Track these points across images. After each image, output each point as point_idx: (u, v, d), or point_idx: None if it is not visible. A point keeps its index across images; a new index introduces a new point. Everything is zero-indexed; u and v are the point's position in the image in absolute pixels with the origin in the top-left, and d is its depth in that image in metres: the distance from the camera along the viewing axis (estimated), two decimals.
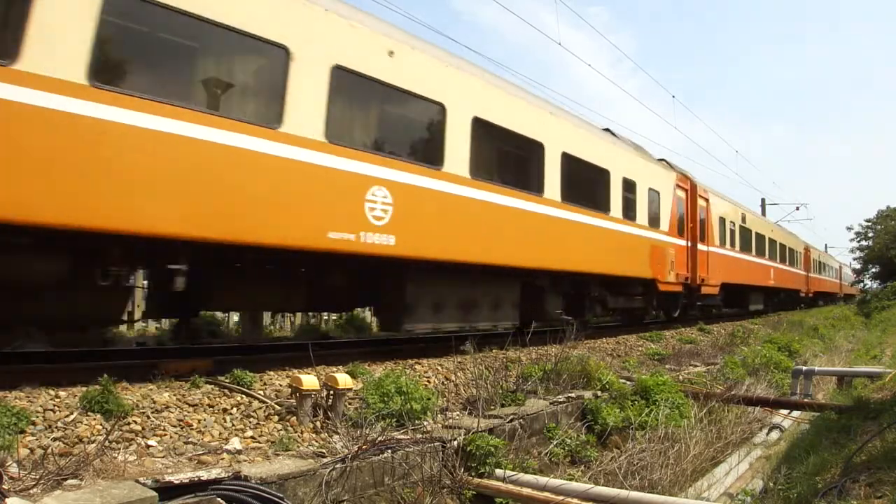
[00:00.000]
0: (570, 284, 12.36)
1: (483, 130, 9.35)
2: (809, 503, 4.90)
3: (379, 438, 5.45)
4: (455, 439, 5.96)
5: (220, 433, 5.45)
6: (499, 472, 5.89)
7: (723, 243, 20.77)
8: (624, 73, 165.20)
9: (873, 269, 71.57)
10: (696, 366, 12.54)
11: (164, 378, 6.16)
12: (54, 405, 5.09)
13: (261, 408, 5.99)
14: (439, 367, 8.45)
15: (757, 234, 25.31)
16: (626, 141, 15.31)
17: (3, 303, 5.67)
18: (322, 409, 6.05)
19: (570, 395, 8.22)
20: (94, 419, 5.01)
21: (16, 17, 4.98)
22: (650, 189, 15.00)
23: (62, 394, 5.35)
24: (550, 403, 7.70)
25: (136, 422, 5.16)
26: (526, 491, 5.58)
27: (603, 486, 5.93)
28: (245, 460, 4.89)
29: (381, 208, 7.64)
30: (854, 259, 75.39)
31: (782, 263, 30.35)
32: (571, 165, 11.42)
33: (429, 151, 8.60)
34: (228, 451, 5.10)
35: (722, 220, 20.79)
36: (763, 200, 44.29)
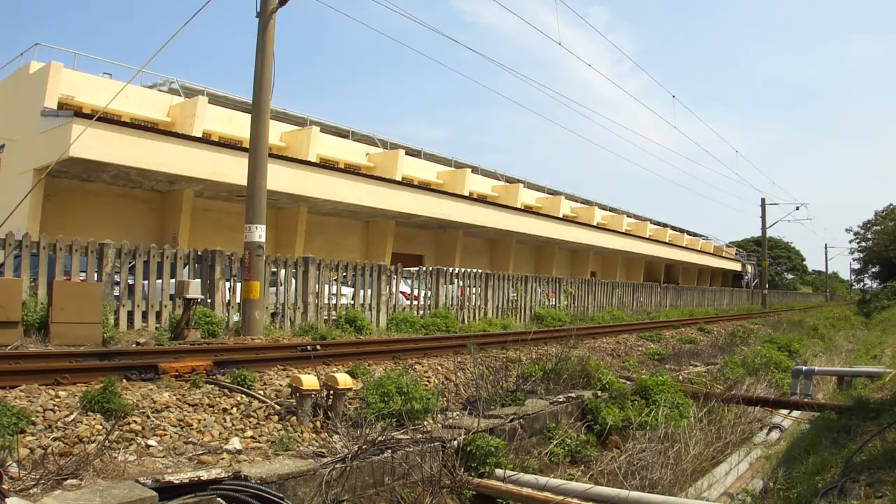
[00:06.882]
0: None
1: None
2: (809, 503, 4.89)
3: (379, 438, 5.45)
4: (455, 439, 5.96)
5: (220, 433, 5.45)
6: (499, 472, 5.89)
7: None
8: (624, 73, 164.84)
9: (873, 269, 71.77)
10: (696, 365, 12.55)
11: (164, 378, 6.16)
12: (54, 405, 5.09)
13: (261, 408, 5.99)
14: (439, 367, 8.45)
15: None
16: None
17: None
18: (322, 409, 6.04)
19: (570, 394, 8.22)
20: (94, 419, 5.01)
21: None
22: None
23: (62, 394, 5.35)
24: (550, 403, 7.70)
25: (136, 422, 5.16)
26: (526, 491, 5.57)
27: (603, 486, 5.93)
28: (245, 460, 4.89)
29: None
30: (854, 259, 75.68)
31: None
32: None
33: None
34: (228, 451, 5.10)
35: None
36: (763, 200, 44.22)
